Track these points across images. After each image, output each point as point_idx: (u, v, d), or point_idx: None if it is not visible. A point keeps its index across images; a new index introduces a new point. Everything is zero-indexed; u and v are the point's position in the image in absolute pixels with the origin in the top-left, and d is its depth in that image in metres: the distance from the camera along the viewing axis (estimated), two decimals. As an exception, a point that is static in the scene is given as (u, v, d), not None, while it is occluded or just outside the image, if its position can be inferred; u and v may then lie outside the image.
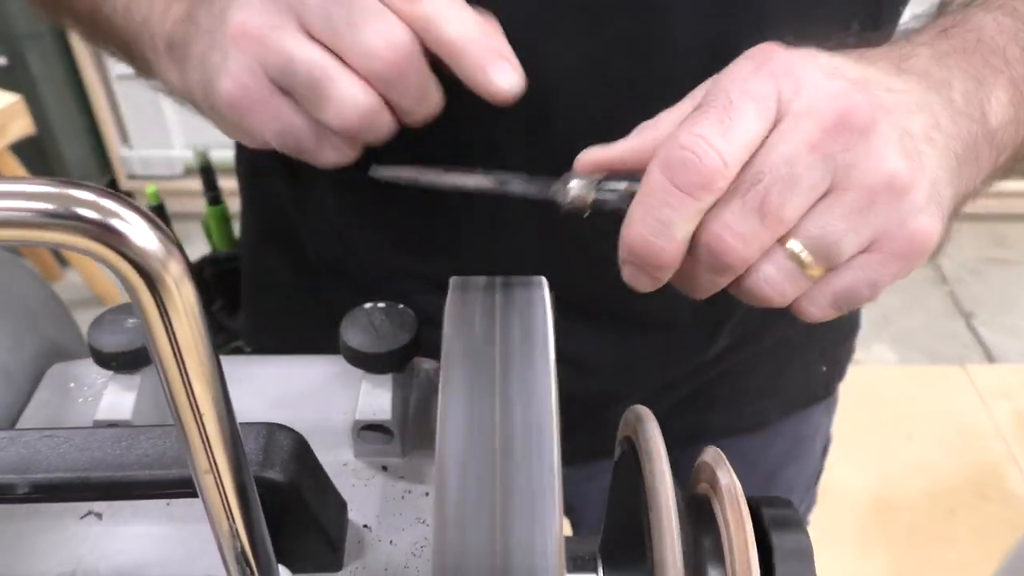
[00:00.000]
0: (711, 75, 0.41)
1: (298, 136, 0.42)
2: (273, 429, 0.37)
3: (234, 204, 0.94)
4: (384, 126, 0.41)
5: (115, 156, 2.50)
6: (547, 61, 0.49)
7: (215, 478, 0.27)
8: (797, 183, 0.35)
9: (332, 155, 0.43)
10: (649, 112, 0.52)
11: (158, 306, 0.23)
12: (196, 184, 2.37)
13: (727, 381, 0.69)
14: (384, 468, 0.45)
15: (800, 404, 0.76)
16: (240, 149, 0.71)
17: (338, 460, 0.45)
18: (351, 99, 0.39)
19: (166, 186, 2.25)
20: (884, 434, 1.94)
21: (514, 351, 0.35)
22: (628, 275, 0.39)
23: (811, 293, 0.38)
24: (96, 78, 2.32)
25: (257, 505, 0.29)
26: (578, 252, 0.53)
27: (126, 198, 0.22)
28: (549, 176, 0.40)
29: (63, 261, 2.32)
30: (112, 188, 0.23)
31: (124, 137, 2.50)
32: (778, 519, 0.40)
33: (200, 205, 1.50)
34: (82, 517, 0.42)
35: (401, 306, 0.45)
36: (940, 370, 2.13)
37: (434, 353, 0.51)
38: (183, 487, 0.34)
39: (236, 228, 0.84)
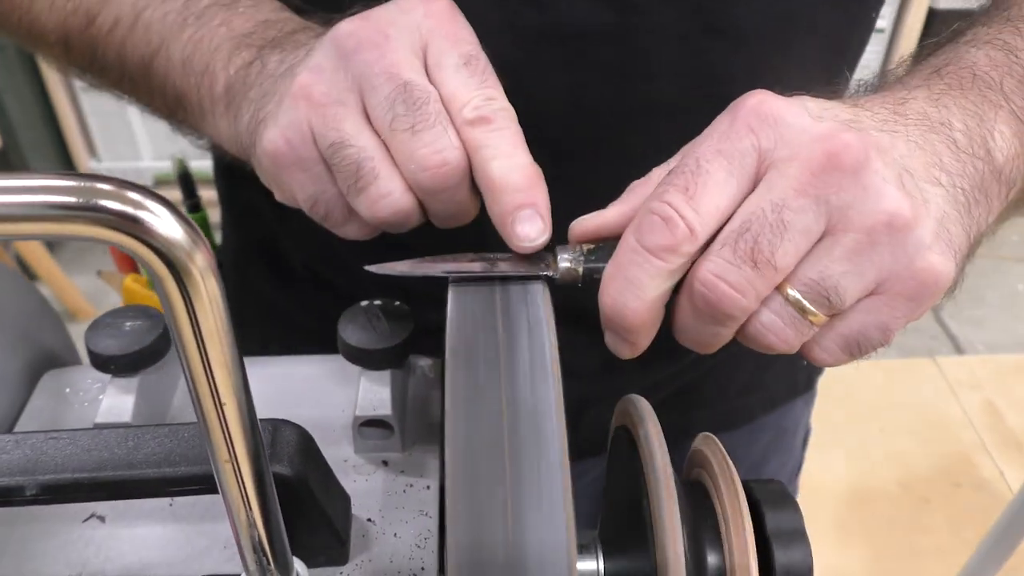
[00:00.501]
0: (691, 99, 0.41)
1: (329, 207, 0.42)
2: (279, 424, 0.37)
3: (213, 215, 0.93)
4: (412, 224, 0.41)
5: (83, 169, 2.47)
6: (530, 89, 0.49)
7: (234, 467, 0.28)
8: (787, 228, 0.34)
9: (355, 231, 0.43)
10: (631, 137, 0.52)
11: (183, 296, 0.23)
12: (165, 195, 2.36)
13: (712, 379, 0.70)
14: (385, 463, 0.45)
15: (783, 398, 0.77)
16: (218, 159, 0.70)
17: (339, 456, 0.45)
18: (388, 197, 0.39)
19: (136, 198, 2.22)
20: (858, 427, 1.97)
21: (517, 346, 0.36)
22: (608, 341, 0.39)
23: (820, 339, 0.37)
24: (62, 90, 2.29)
25: (274, 495, 0.30)
26: (554, 245, 0.54)
27: (151, 190, 0.22)
28: (538, 253, 0.40)
29: (31, 276, 2.28)
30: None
31: (92, 150, 2.46)
32: (772, 500, 0.41)
33: (173, 216, 1.49)
34: (85, 520, 0.42)
35: (397, 303, 0.46)
36: (910, 363, 2.17)
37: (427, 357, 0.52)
38: (193, 484, 0.35)
39: (217, 236, 0.83)
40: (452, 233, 0.43)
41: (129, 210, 0.22)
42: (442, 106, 0.39)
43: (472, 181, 0.40)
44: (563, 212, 0.41)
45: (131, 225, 0.22)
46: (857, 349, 0.37)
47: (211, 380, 0.25)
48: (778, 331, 0.36)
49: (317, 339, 0.52)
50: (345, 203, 0.41)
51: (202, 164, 0.89)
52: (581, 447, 0.52)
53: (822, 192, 0.34)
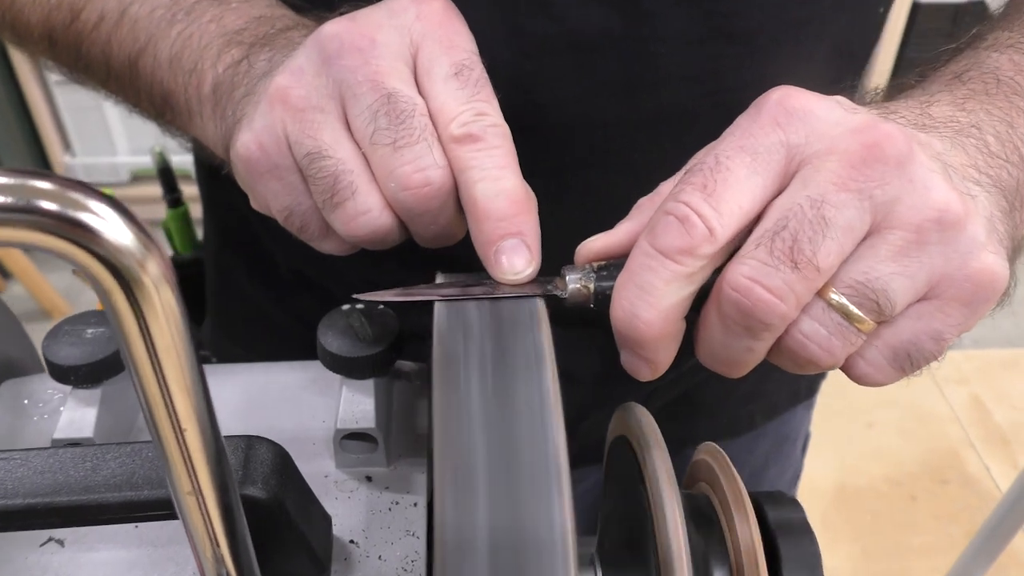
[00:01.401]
0: (701, 107, 0.38)
1: (304, 220, 0.39)
2: (253, 442, 0.34)
3: (195, 210, 0.90)
4: (392, 243, 0.38)
5: (58, 164, 2.41)
6: (537, 98, 0.48)
7: (198, 500, 0.25)
8: (829, 225, 0.31)
9: (333, 247, 0.40)
10: (640, 147, 0.50)
11: (134, 310, 0.20)
12: (142, 191, 2.31)
13: (713, 386, 0.68)
14: (368, 479, 0.42)
15: (784, 406, 0.75)
16: (198, 155, 0.68)
17: (319, 472, 0.42)
18: (365, 215, 0.36)
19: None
20: (845, 423, 1.96)
21: (508, 341, 0.34)
22: (624, 361, 0.36)
23: (866, 352, 0.34)
24: (35, 84, 2.24)
25: (244, 528, 0.27)
26: (559, 262, 0.52)
27: (96, 189, 0.19)
28: (543, 275, 0.37)
29: (5, 273, 2.23)
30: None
31: (66, 144, 2.41)
32: (783, 517, 0.39)
33: (149, 212, 1.44)
34: (42, 545, 0.39)
35: (381, 306, 0.43)
36: (897, 358, 2.17)
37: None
38: (157, 509, 0.32)
39: (199, 232, 0.80)
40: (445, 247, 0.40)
41: (69, 212, 0.19)
42: (428, 120, 0.36)
43: (459, 202, 0.37)
44: (570, 227, 0.38)
45: (71, 230, 0.19)
46: (908, 362, 0.34)
47: (169, 404, 0.22)
48: (821, 341, 0.33)
49: (302, 342, 0.49)
50: (322, 217, 0.38)
51: (183, 158, 0.86)
52: (578, 455, 0.50)
53: (865, 186, 0.31)
